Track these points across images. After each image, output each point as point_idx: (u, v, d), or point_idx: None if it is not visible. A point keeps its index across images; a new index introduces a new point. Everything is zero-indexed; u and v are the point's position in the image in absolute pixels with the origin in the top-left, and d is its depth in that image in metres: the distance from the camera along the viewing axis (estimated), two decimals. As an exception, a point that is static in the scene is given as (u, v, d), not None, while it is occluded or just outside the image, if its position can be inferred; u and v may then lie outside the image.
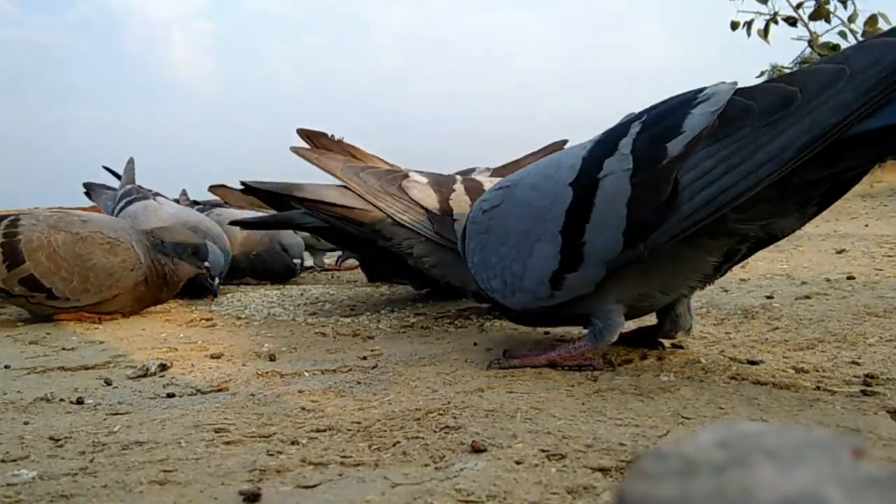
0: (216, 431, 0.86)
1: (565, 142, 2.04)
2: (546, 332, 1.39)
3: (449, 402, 0.93)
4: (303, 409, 0.95)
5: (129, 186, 2.74)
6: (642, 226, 0.94)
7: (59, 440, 0.85)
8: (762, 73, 5.07)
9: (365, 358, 1.27)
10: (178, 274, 1.91)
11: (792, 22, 4.31)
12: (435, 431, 0.82)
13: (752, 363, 1.08)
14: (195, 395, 1.07)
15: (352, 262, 3.07)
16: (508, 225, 1.13)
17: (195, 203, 3.22)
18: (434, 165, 1.79)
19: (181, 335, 1.59)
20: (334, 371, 1.18)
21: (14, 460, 0.78)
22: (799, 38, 4.39)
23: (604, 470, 0.69)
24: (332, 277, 2.94)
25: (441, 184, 1.66)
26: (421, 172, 1.72)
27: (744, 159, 0.87)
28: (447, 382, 1.05)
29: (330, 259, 3.29)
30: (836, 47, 4.05)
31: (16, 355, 1.42)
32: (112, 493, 0.68)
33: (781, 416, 0.83)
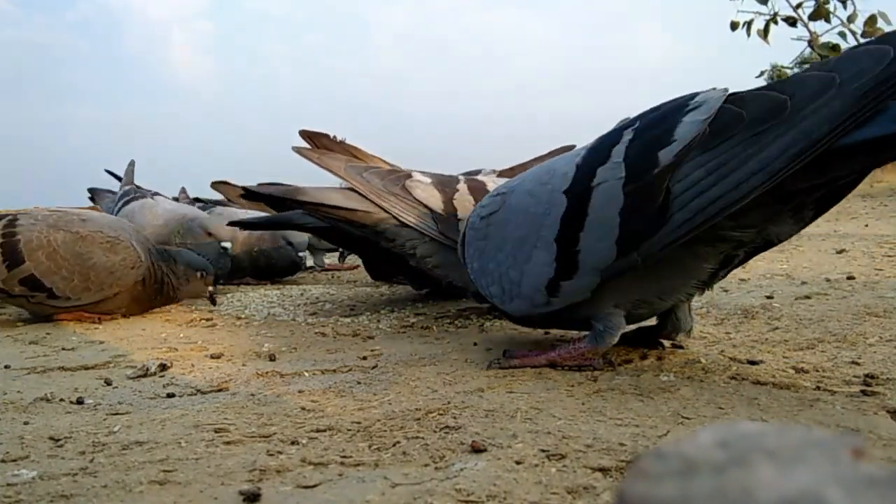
0: (216, 431, 0.86)
1: (572, 147, 2.04)
2: (546, 333, 1.39)
3: (449, 402, 0.93)
4: (303, 409, 0.95)
5: (127, 187, 2.79)
6: (635, 234, 0.95)
7: (59, 440, 0.85)
8: (762, 73, 5.07)
9: (365, 358, 1.27)
10: (178, 290, 1.90)
11: (792, 22, 4.32)
12: (435, 431, 0.82)
13: (752, 363, 1.08)
14: (195, 395, 1.07)
15: (352, 260, 3.08)
16: (506, 231, 1.14)
17: (197, 201, 3.24)
18: (435, 166, 1.79)
19: (181, 335, 1.59)
20: (334, 371, 1.18)
21: (14, 460, 0.78)
22: (799, 39, 4.40)
23: (604, 470, 0.69)
24: (332, 277, 2.94)
25: (445, 183, 1.66)
26: (424, 172, 1.72)
27: (734, 169, 0.87)
28: (447, 382, 1.05)
29: (330, 259, 3.29)
30: (836, 47, 4.05)
31: (16, 355, 1.42)
32: (112, 493, 0.68)
33: (781, 416, 0.83)
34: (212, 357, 1.34)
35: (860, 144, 0.83)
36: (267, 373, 1.18)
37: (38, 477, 0.73)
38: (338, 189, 1.71)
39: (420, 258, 1.63)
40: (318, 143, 1.77)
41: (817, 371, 1.02)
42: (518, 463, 0.71)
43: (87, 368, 1.28)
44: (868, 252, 2.24)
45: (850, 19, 4.05)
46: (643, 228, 0.94)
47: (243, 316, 1.84)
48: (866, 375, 0.97)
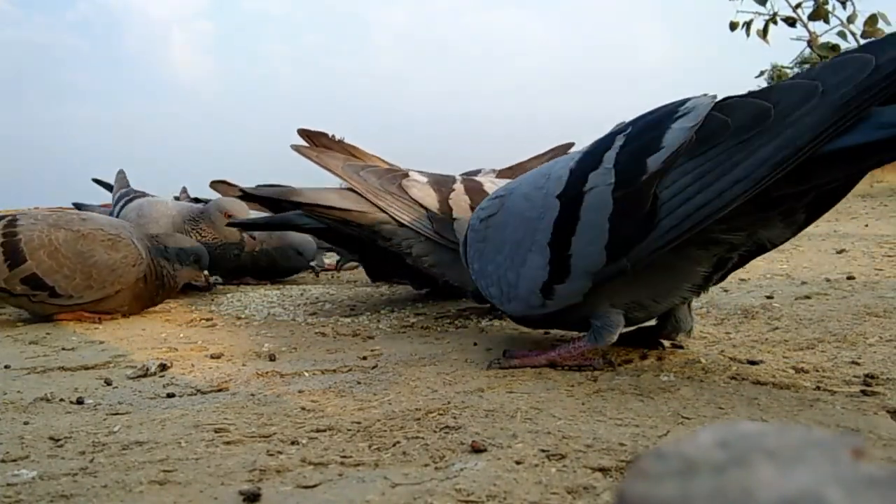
0: (216, 431, 0.86)
1: (571, 144, 2.04)
2: (546, 333, 1.39)
3: (449, 402, 0.93)
4: (303, 409, 0.95)
5: (124, 189, 2.79)
6: (624, 240, 0.95)
7: (59, 440, 0.85)
8: (762, 73, 5.08)
9: (365, 358, 1.27)
10: (176, 279, 1.91)
11: (791, 22, 4.32)
12: (435, 431, 0.82)
13: (752, 363, 1.08)
14: (195, 395, 1.07)
15: (349, 267, 3.08)
16: (504, 234, 1.15)
17: (197, 200, 3.24)
18: (434, 165, 1.80)
19: (181, 335, 1.59)
20: (334, 371, 1.18)
21: (14, 460, 0.78)
22: (798, 39, 4.40)
23: (604, 470, 0.69)
24: (332, 277, 2.94)
25: (441, 183, 1.66)
26: (421, 172, 1.72)
27: (718, 177, 0.88)
28: (447, 382, 1.05)
29: (330, 259, 3.29)
30: (835, 47, 4.05)
31: (16, 355, 1.42)
32: (112, 493, 0.68)
33: (781, 416, 0.83)
34: (212, 357, 1.34)
35: (843, 151, 0.83)
36: (267, 373, 1.18)
37: (38, 477, 0.73)
38: (334, 189, 1.71)
39: (416, 257, 1.64)
40: (316, 142, 1.77)
41: (817, 371, 1.02)
42: (518, 463, 0.71)
43: (87, 368, 1.28)
44: (868, 252, 2.24)
45: (850, 20, 4.06)
46: (632, 234, 0.95)
47: (243, 316, 1.84)
48: (866, 375, 0.97)
